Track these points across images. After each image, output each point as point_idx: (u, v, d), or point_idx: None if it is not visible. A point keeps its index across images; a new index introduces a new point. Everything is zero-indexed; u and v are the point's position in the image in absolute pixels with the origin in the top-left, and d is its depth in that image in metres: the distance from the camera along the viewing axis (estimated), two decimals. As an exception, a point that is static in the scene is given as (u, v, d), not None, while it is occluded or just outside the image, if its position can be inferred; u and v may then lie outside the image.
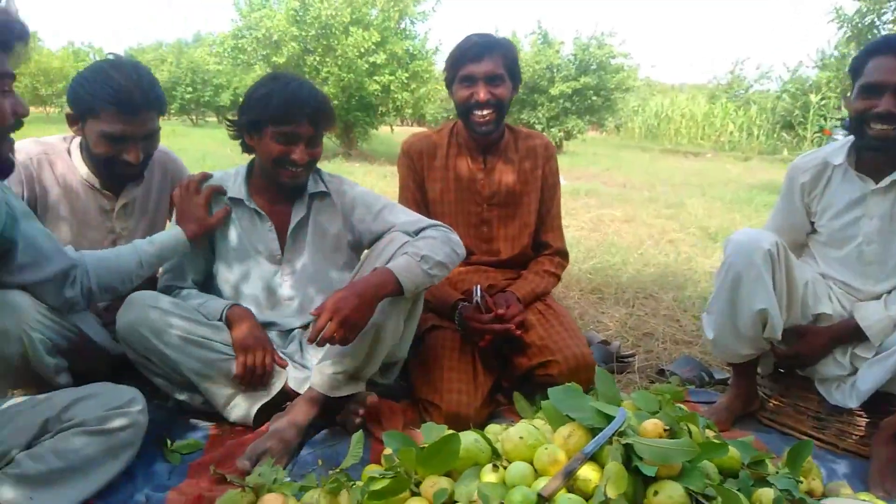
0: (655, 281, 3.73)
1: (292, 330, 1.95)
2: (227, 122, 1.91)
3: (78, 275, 1.57)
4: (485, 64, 2.00)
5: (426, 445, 1.32)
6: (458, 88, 2.05)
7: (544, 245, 2.26)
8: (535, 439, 1.33)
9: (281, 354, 1.85)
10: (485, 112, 2.02)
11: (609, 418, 1.34)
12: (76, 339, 1.65)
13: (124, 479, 1.47)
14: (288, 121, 1.72)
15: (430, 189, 2.17)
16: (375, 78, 12.40)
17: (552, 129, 16.49)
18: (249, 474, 1.43)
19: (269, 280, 1.90)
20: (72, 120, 1.75)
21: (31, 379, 1.55)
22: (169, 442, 1.65)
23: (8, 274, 1.44)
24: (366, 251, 1.96)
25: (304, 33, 12.09)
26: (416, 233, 1.83)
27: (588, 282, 3.63)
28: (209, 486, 1.46)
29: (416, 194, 2.18)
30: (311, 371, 1.79)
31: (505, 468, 1.30)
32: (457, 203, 2.16)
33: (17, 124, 1.21)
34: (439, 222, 1.88)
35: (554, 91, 16.31)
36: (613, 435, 1.29)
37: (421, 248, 1.73)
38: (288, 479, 1.44)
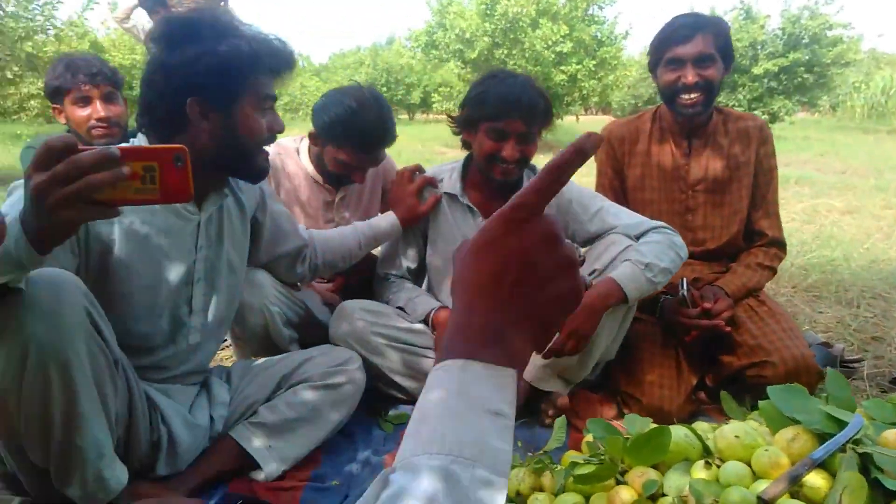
0: (886, 279, 3.27)
1: None
2: (449, 119, 1.99)
3: (308, 252, 1.77)
4: (694, 44, 1.89)
5: (633, 436, 1.30)
6: (663, 72, 1.96)
7: (758, 234, 2.09)
8: (752, 440, 1.25)
9: None
10: (692, 95, 1.91)
11: (841, 424, 1.21)
12: (304, 314, 1.88)
13: (347, 441, 1.64)
14: (500, 117, 1.74)
15: (629, 176, 2.11)
16: (562, 68, 12.29)
17: (755, 112, 15.11)
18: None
19: None
20: (314, 137, 1.98)
21: (269, 347, 1.79)
22: (383, 413, 1.81)
23: (255, 251, 1.65)
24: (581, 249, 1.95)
25: (493, 27, 12.31)
26: (639, 236, 1.80)
27: (802, 278, 3.29)
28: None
29: (615, 182, 2.13)
30: None
31: (718, 466, 1.24)
32: (659, 190, 2.07)
33: (271, 139, 1.38)
34: (662, 223, 1.83)
35: (757, 70, 14.92)
36: (847, 442, 1.17)
37: (645, 254, 1.70)
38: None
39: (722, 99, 15.94)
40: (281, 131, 1.40)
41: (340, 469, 1.53)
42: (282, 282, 1.79)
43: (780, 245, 2.11)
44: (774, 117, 15.38)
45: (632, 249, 1.74)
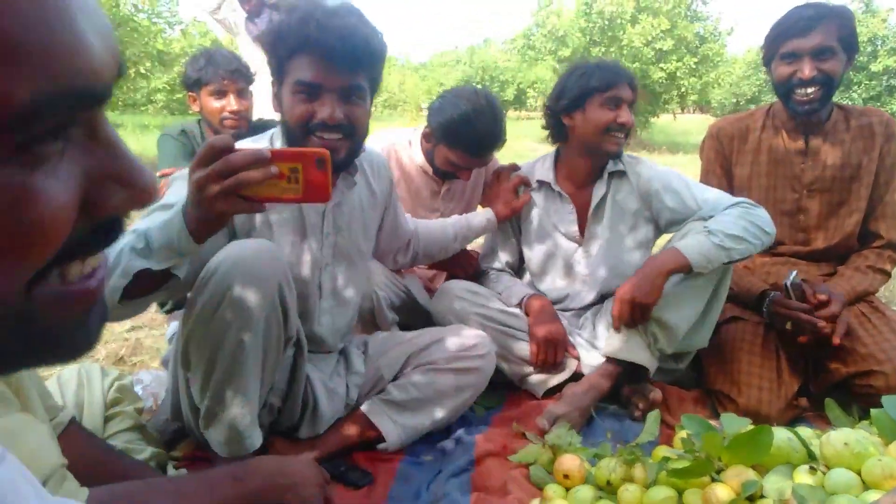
0: None
1: (585, 309, 2.02)
2: (545, 111, 2.01)
3: (413, 243, 1.84)
4: (812, 37, 1.79)
5: (732, 434, 1.28)
6: (777, 65, 1.88)
7: (874, 235, 1.97)
8: (862, 448, 1.20)
9: (572, 339, 1.92)
10: (809, 90, 1.82)
11: (964, 439, 1.15)
12: (406, 298, 1.96)
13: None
14: (610, 85, 1.81)
15: (736, 175, 2.05)
16: (661, 65, 11.93)
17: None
18: (546, 433, 1.54)
19: (568, 258, 2.00)
20: (427, 135, 2.05)
21: (374, 329, 1.87)
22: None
23: (376, 239, 1.73)
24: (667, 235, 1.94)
25: (590, 25, 12.14)
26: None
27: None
28: (511, 438, 1.61)
29: (722, 181, 2.07)
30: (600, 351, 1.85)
31: (823, 473, 1.20)
32: (767, 189, 2.00)
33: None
34: (745, 199, 1.78)
35: (875, 67, 13.90)
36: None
37: (710, 224, 1.69)
38: (581, 444, 1.52)
39: (833, 97, 14.98)
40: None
41: (434, 445, 1.59)
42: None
43: (895, 248, 1.97)
44: (893, 117, 14.30)
45: (701, 223, 1.73)
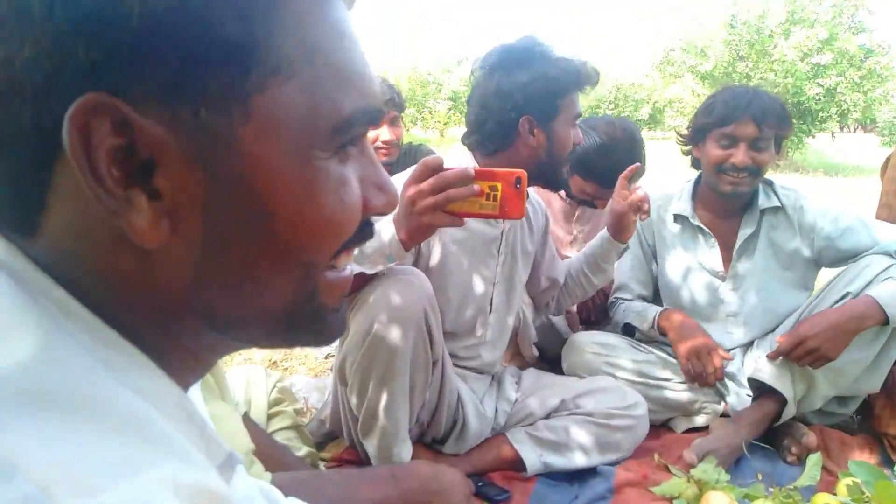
0: None
1: (733, 349, 1.91)
2: (678, 137, 1.97)
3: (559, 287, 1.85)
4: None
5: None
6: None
7: None
8: None
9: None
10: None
11: None
12: (545, 321, 2.01)
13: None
14: (729, 120, 1.72)
15: None
16: (818, 80, 11.05)
17: None
18: (693, 468, 1.49)
19: (712, 296, 1.91)
20: None
21: (513, 347, 1.92)
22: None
23: (536, 272, 1.79)
24: (832, 274, 1.80)
25: (736, 37, 11.53)
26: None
27: None
28: (651, 469, 1.57)
29: None
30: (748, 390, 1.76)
31: None
32: None
33: (573, 152, 1.54)
34: None
35: None
36: None
37: None
38: (729, 482, 1.45)
39: None
40: (581, 143, 1.53)
41: (574, 472, 1.58)
42: None
43: None
44: None
45: (894, 267, 1.57)
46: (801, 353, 1.56)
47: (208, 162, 0.32)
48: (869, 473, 1.23)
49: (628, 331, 1.95)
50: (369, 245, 1.17)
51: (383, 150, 2.33)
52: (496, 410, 1.64)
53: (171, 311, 0.36)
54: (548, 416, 1.63)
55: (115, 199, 0.31)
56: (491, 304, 1.60)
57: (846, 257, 1.73)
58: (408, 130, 19.13)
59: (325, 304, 0.41)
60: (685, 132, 1.90)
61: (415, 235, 1.13)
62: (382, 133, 2.31)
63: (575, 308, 2.19)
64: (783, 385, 1.65)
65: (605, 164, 1.88)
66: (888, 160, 1.99)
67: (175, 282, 0.35)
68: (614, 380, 1.71)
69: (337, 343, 1.47)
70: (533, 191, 1.95)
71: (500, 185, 1.05)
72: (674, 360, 1.86)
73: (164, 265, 0.34)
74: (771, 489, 1.37)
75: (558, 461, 1.56)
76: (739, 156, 1.71)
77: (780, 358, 1.65)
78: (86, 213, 0.32)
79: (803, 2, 11.18)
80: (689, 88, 13.36)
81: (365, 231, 0.42)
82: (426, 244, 1.51)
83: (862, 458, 1.66)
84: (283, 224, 0.35)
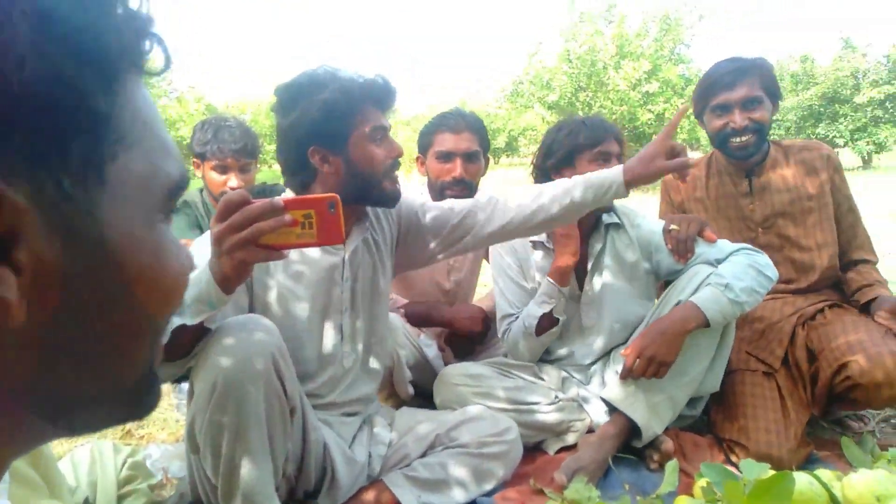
0: None
1: (591, 364, 2.01)
2: (533, 170, 2.04)
3: (472, 215, 1.68)
4: (739, 89, 1.93)
5: (753, 481, 1.27)
6: (710, 118, 2.01)
7: (858, 262, 2.05)
8: (884, 489, 1.19)
9: (582, 395, 1.90)
10: (743, 138, 1.95)
11: (984, 474, 1.14)
12: (420, 358, 2.00)
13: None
14: (598, 142, 1.86)
15: None
16: (648, 107, 12.18)
17: (858, 143, 14.32)
18: (565, 489, 1.53)
19: (571, 313, 1.99)
20: (420, 160, 2.23)
21: (389, 388, 1.89)
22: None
23: (428, 248, 1.67)
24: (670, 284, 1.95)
25: (574, 70, 12.45)
26: (722, 262, 1.79)
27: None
28: (528, 494, 1.59)
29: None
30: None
31: (846, 517, 1.19)
32: (726, 231, 2.06)
33: (395, 164, 1.49)
34: (747, 246, 1.81)
35: (860, 99, 14.20)
36: None
37: (724, 275, 1.71)
38: (599, 498, 1.50)
39: (819, 131, 15.23)
40: (401, 155, 1.49)
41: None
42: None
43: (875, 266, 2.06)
44: (881, 147, 14.52)
45: (713, 274, 1.74)
46: (643, 364, 1.68)
47: (70, 231, 0.32)
48: (719, 474, 1.32)
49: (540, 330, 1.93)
50: (187, 294, 1.10)
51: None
52: (370, 455, 1.58)
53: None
54: (424, 454, 1.61)
55: None
56: (342, 333, 1.55)
57: (679, 269, 1.88)
58: (270, 167, 18.66)
59: (155, 370, 0.41)
60: (544, 163, 1.97)
61: (231, 275, 1.08)
62: (231, 180, 2.25)
63: (442, 342, 2.21)
64: (632, 408, 1.75)
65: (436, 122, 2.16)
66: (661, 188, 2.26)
67: (20, 364, 0.32)
68: (485, 408, 1.72)
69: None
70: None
71: (313, 212, 1.03)
72: (542, 382, 1.93)
73: (10, 347, 0.32)
74: (638, 497, 1.44)
75: (437, 499, 1.54)
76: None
77: (629, 378, 1.75)
78: None
79: (629, 37, 12.34)
80: (540, 117, 14.20)
81: None
82: (259, 284, 1.46)
83: (712, 458, 1.80)
84: (142, 289, 0.36)
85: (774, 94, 2.00)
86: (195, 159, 2.35)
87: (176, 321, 1.12)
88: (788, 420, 1.79)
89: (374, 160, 1.44)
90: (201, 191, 2.42)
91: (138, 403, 0.40)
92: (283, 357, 1.27)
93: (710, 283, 1.70)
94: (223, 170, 2.26)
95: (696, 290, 1.75)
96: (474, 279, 2.46)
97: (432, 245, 1.64)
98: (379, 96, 1.46)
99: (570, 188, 1.52)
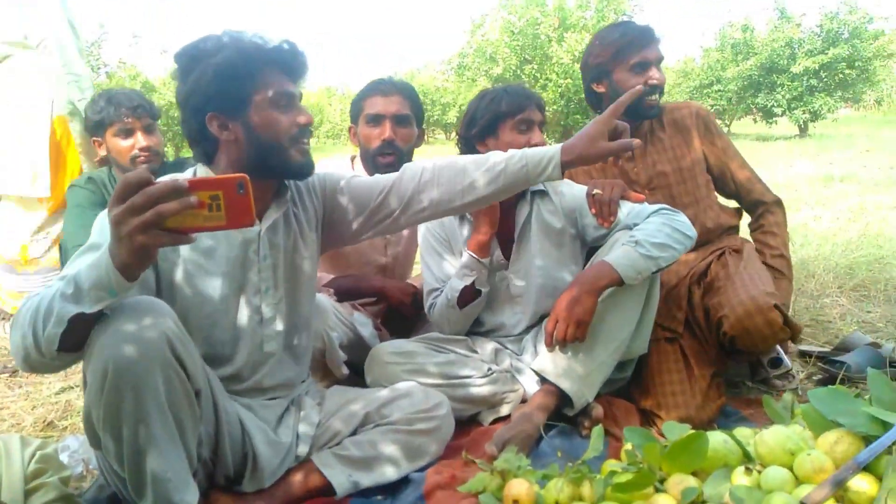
0: (940, 277, 3.17)
1: (524, 333, 2.01)
2: (458, 140, 2.04)
3: (395, 188, 1.63)
4: (653, 49, 2.07)
5: (670, 442, 1.29)
6: (626, 77, 2.06)
7: (757, 203, 2.18)
8: (794, 444, 1.23)
9: (514, 366, 1.91)
10: (655, 96, 2.06)
11: (887, 426, 1.18)
12: (354, 337, 1.95)
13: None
14: (521, 109, 1.86)
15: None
16: (593, 79, 12.28)
17: (795, 112, 14.77)
18: (496, 459, 1.53)
19: (498, 282, 1.99)
20: (352, 130, 2.22)
21: (323, 369, 1.85)
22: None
23: (348, 228, 1.61)
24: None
25: (518, 44, 12.42)
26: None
27: (848, 277, 3.21)
28: (460, 467, 1.59)
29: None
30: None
31: (759, 472, 1.22)
32: None
33: (303, 132, 1.40)
34: (667, 206, 1.82)
35: (796, 69, 14.62)
36: (893, 444, 1.14)
37: (635, 234, 1.72)
38: (530, 467, 1.51)
39: (760, 100, 15.63)
40: (309, 122, 1.41)
41: (386, 484, 1.54)
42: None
43: (778, 203, 2.19)
44: (816, 115, 15.01)
45: (624, 234, 1.77)
46: (562, 327, 1.68)
47: None
48: (641, 437, 1.34)
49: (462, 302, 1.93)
50: (85, 279, 1.02)
51: (141, 159, 2.20)
52: (297, 436, 1.54)
53: None
54: (354, 433, 1.58)
55: None
56: (261, 315, 1.48)
57: (603, 232, 1.90)
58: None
59: None
60: (468, 133, 1.96)
61: (132, 261, 0.99)
62: (137, 140, 2.21)
63: (379, 322, 2.18)
64: (562, 379, 1.74)
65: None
66: None
67: None
68: (416, 384, 1.70)
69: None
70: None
71: (221, 194, 0.97)
72: (475, 355, 1.93)
73: None
74: (568, 465, 1.45)
75: (368, 478, 1.52)
76: (537, 137, 1.88)
77: (556, 346, 1.74)
78: None
79: (571, 9, 12.35)
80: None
81: None
82: (165, 263, 1.37)
83: (641, 420, 1.84)
84: None
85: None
86: (95, 139, 2.28)
87: (73, 309, 1.03)
88: (693, 379, 1.85)
89: (278, 127, 1.36)
90: (109, 168, 2.33)
91: None
92: (178, 335, 1.19)
93: (623, 243, 1.72)
94: (126, 133, 2.21)
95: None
96: (412, 252, 2.43)
97: (355, 225, 1.59)
98: (285, 61, 1.38)
99: (503, 167, 1.46)
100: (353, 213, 1.58)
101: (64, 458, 1.58)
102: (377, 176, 1.60)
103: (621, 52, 2.04)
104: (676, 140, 2.11)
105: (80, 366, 1.18)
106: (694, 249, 2.02)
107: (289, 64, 1.37)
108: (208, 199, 0.97)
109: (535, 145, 1.81)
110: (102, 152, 2.28)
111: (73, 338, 1.07)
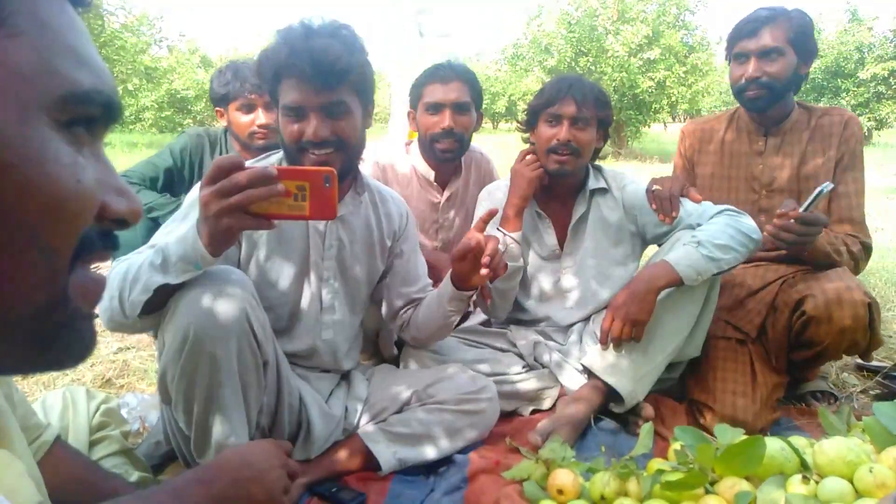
0: None
1: (572, 325, 2.00)
2: (518, 125, 2.05)
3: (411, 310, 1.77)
4: (759, 38, 1.86)
5: (725, 445, 1.27)
6: (732, 67, 1.95)
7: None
8: (855, 456, 1.19)
9: (560, 363, 1.86)
10: (753, 90, 1.89)
11: (956, 445, 1.14)
12: None
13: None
14: (554, 101, 1.81)
15: (699, 175, 2.10)
16: (649, 75, 11.99)
17: (860, 119, 14.20)
18: (540, 449, 1.53)
19: (550, 273, 1.98)
20: (411, 115, 2.19)
21: (373, 346, 1.88)
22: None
23: (383, 281, 1.71)
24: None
25: (574, 35, 12.23)
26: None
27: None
28: (504, 453, 1.60)
29: (683, 177, 2.10)
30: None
31: (816, 482, 1.19)
32: (729, 191, 2.03)
33: (311, 144, 1.37)
34: (729, 207, 1.78)
35: (864, 74, 14.04)
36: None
37: (698, 234, 1.69)
38: (574, 458, 1.50)
39: (824, 103, 15.09)
40: (317, 138, 1.37)
41: (428, 464, 1.57)
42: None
43: (865, 247, 1.92)
44: (882, 123, 14.43)
45: (687, 234, 1.73)
46: (619, 326, 1.66)
47: None
48: (693, 438, 1.32)
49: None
50: (173, 252, 1.09)
51: (259, 135, 2.22)
52: (346, 409, 1.58)
53: None
54: (400, 410, 1.61)
55: None
56: (321, 302, 1.53)
57: (664, 231, 1.86)
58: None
59: (78, 308, 0.39)
60: (524, 122, 1.96)
61: (217, 240, 1.05)
62: (258, 117, 2.22)
63: None
64: (614, 377, 1.72)
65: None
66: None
67: None
68: (462, 366, 1.71)
69: None
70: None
71: (307, 185, 1.00)
72: (513, 350, 1.94)
73: None
74: (613, 459, 1.44)
75: (413, 455, 1.54)
76: (563, 133, 1.79)
77: (611, 344, 1.72)
78: None
79: (632, 2, 12.09)
80: (540, 81, 14.02)
81: (108, 240, 0.40)
82: (250, 240, 1.44)
83: (688, 423, 1.81)
84: (11, 192, 0.33)
85: (804, 49, 1.88)
86: (217, 109, 2.30)
87: (159, 279, 1.10)
88: (756, 384, 1.80)
89: (286, 134, 1.38)
90: (226, 132, 2.37)
91: (50, 343, 0.37)
92: (256, 309, 1.24)
93: (684, 242, 1.69)
94: (249, 108, 2.22)
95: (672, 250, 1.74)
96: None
97: (390, 281, 1.68)
98: (303, 72, 1.32)
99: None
100: (398, 273, 1.67)
101: (123, 413, 1.64)
102: (420, 277, 1.70)
103: (730, 40, 1.95)
104: (815, 146, 1.94)
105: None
106: (788, 262, 1.96)
107: (306, 74, 1.31)
108: (295, 188, 1.00)
109: (560, 141, 1.79)
110: (223, 122, 2.31)
111: (155, 303, 1.15)
